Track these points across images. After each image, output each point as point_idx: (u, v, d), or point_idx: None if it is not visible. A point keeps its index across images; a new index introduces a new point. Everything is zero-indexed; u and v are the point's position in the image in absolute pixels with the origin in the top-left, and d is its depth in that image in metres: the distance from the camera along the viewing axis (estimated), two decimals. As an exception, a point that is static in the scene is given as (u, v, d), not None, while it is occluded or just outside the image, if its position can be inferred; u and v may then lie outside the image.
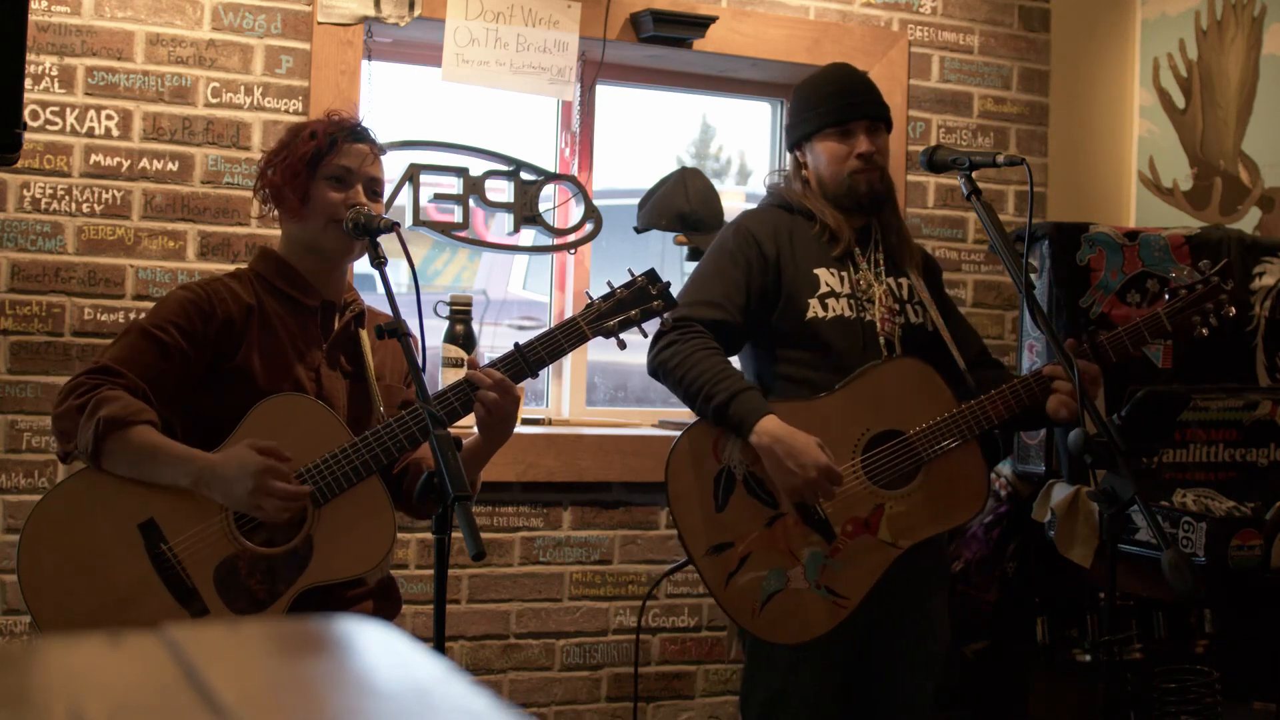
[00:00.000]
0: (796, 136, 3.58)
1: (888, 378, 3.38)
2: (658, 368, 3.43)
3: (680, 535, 3.38)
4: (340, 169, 3.05)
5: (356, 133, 3.10)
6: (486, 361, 3.15)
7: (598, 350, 4.81)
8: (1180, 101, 5.04)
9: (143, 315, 3.02)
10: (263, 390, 2.97)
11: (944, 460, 3.35)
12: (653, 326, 3.24)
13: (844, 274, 3.48)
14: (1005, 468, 4.51)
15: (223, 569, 2.90)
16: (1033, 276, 4.39)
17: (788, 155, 3.65)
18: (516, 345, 3.06)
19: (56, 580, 2.83)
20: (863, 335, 3.44)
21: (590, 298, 3.17)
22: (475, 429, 3.10)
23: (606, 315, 3.11)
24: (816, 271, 3.46)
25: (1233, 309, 3.42)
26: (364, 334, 3.19)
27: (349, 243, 3.06)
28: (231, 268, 3.37)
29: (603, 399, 5.04)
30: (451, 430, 2.81)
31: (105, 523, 2.86)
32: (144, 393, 2.87)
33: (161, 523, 2.87)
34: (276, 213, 3.14)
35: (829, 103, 3.51)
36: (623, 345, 3.18)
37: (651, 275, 3.17)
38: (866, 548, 3.35)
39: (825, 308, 3.44)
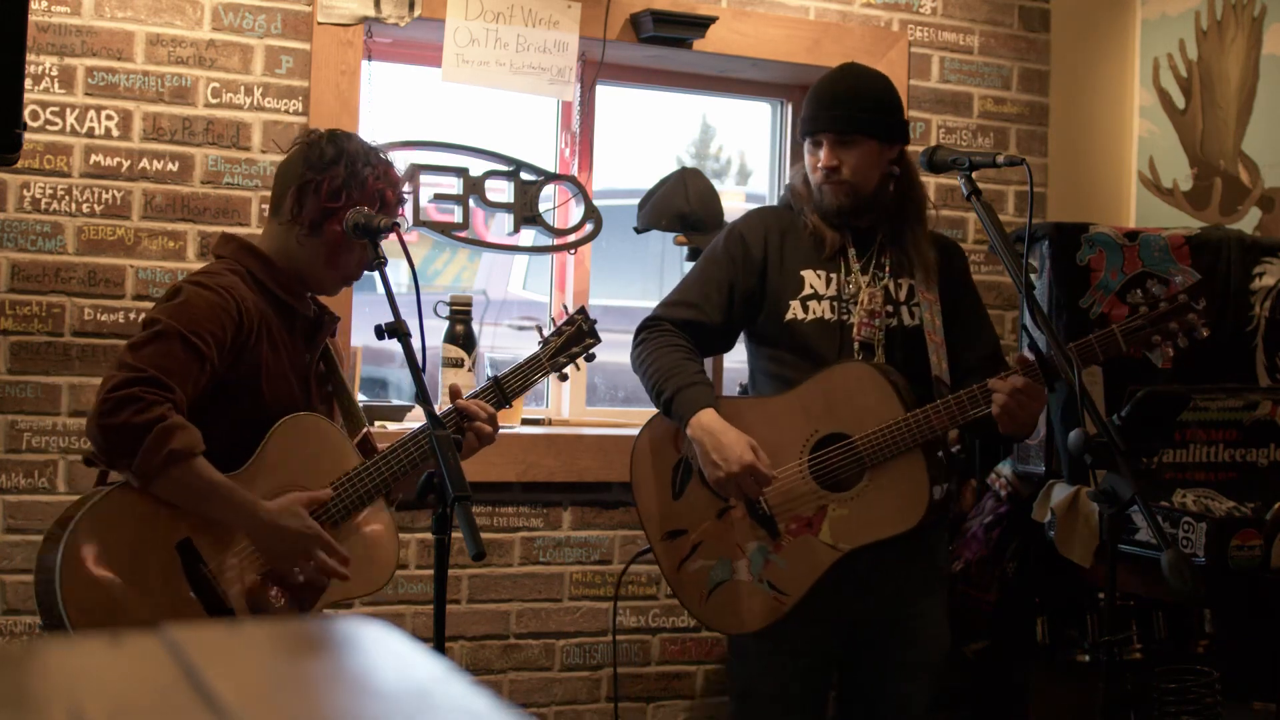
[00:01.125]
0: (798, 137, 3.62)
1: (838, 381, 3.40)
2: (633, 365, 3.57)
3: (640, 519, 3.53)
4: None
5: (403, 201, 3.15)
6: (470, 391, 3.27)
7: (598, 351, 4.82)
8: (1180, 102, 5.04)
9: (167, 311, 2.91)
10: (265, 401, 2.97)
11: (887, 467, 3.35)
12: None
13: (832, 275, 3.49)
14: (1005, 468, 4.51)
15: (254, 590, 2.95)
16: (1033, 277, 4.38)
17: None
18: (494, 378, 3.32)
19: (101, 601, 2.81)
20: (840, 338, 3.45)
21: (541, 333, 3.45)
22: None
23: (560, 351, 3.41)
24: (803, 273, 3.49)
25: (1206, 330, 3.30)
26: (331, 343, 3.25)
27: (340, 290, 3.20)
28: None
29: (604, 399, 5.04)
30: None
31: (144, 541, 2.85)
32: (184, 408, 2.83)
33: (198, 543, 2.88)
34: (283, 216, 3.12)
35: (806, 111, 3.53)
36: (564, 378, 3.51)
37: (584, 313, 3.49)
38: (808, 547, 3.39)
39: (806, 309, 3.46)
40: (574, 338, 3.42)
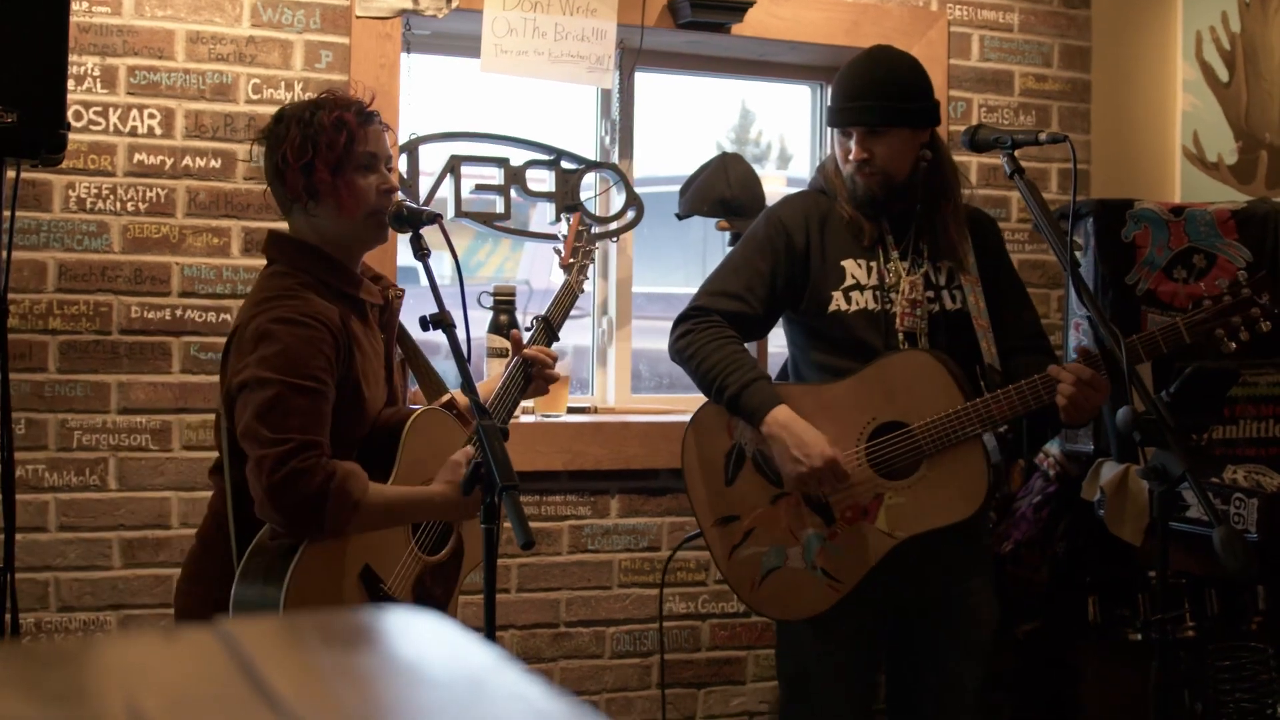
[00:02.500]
0: (826, 122, 3.60)
1: (897, 369, 3.40)
2: (676, 354, 3.55)
3: (692, 505, 3.53)
4: (368, 156, 3.01)
5: (370, 114, 3.06)
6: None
7: (641, 338, 4.82)
8: (1224, 75, 5.00)
9: (270, 364, 2.80)
10: (367, 403, 2.97)
11: (945, 456, 3.35)
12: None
13: (872, 264, 3.48)
14: (1053, 447, 4.48)
15: (418, 588, 3.02)
16: (1078, 254, 4.36)
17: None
18: (540, 317, 3.37)
19: None
20: (885, 328, 3.45)
21: (558, 253, 3.52)
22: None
23: (584, 266, 3.51)
24: (843, 263, 3.48)
25: (1268, 324, 3.28)
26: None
27: (386, 232, 3.08)
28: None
29: (648, 386, 5.04)
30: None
31: (339, 585, 2.88)
32: (330, 453, 2.83)
33: (375, 566, 2.92)
34: (288, 207, 3.07)
35: (833, 101, 3.50)
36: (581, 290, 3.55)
37: (579, 219, 3.60)
38: (864, 534, 3.39)
39: (849, 300, 3.45)
40: (586, 238, 3.57)
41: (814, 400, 3.41)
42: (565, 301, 3.43)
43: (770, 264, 3.49)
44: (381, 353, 3.09)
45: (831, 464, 3.31)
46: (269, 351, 2.81)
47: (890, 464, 3.38)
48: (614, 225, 4.65)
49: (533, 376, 3.26)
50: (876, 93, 3.42)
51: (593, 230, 3.61)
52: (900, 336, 3.45)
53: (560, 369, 3.46)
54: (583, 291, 3.54)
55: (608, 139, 4.76)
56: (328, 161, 2.96)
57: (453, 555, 3.12)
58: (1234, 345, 3.29)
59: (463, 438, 3.08)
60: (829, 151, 3.69)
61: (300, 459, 2.74)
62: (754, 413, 3.37)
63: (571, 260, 3.48)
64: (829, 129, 3.64)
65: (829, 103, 3.53)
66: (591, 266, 3.59)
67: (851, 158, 3.44)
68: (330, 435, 2.86)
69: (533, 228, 4.93)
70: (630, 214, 4.64)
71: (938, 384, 3.36)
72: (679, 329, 3.52)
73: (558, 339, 3.42)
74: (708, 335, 3.45)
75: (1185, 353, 3.39)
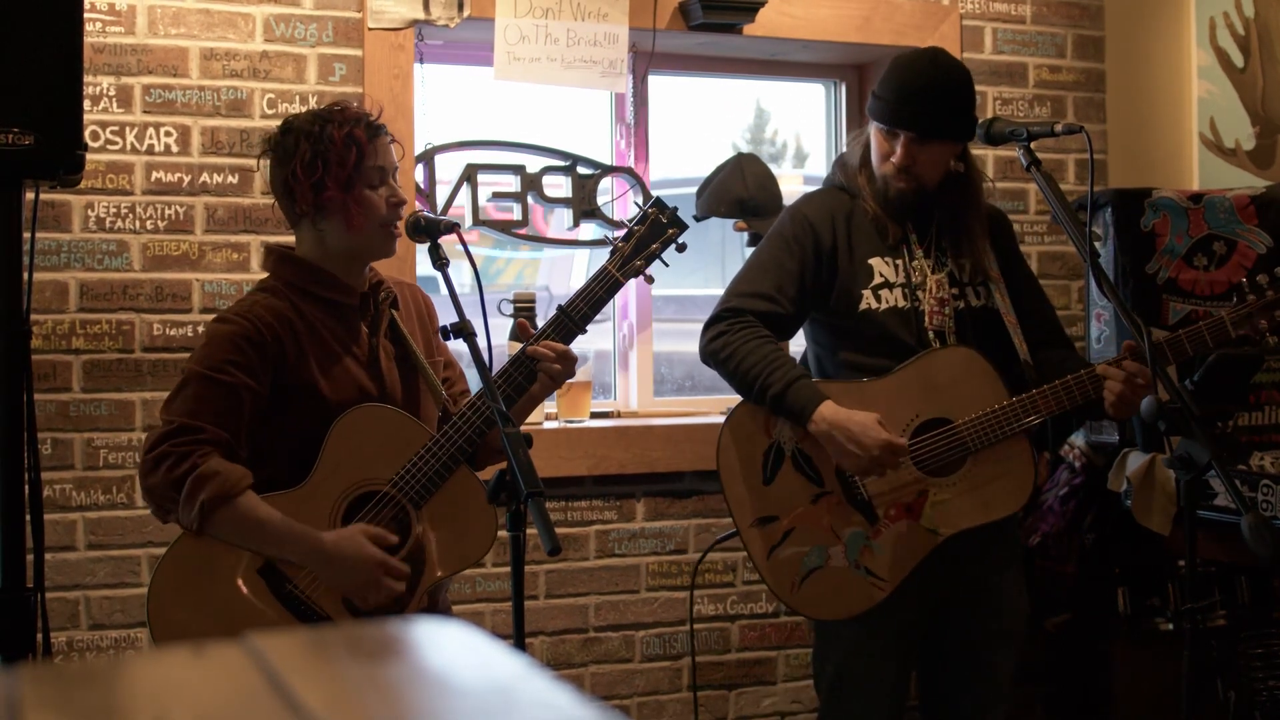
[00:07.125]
0: (868, 110, 3.54)
1: (940, 365, 3.39)
2: (709, 356, 3.50)
3: (729, 505, 3.46)
4: (377, 170, 3.01)
5: (378, 128, 3.06)
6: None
7: (662, 341, 4.82)
8: (1239, 60, 4.98)
9: (192, 358, 2.96)
10: (329, 401, 2.96)
11: (991, 452, 3.34)
12: (670, 255, 3.25)
13: (899, 262, 3.47)
14: (1078, 439, 4.47)
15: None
16: (1097, 245, 4.35)
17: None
18: (561, 308, 3.13)
19: (193, 639, 2.84)
20: (916, 326, 3.44)
21: (610, 240, 3.27)
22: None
23: (632, 256, 3.17)
24: (871, 261, 3.46)
25: None
26: (395, 313, 3.17)
27: (395, 244, 3.09)
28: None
29: (670, 389, 5.04)
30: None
31: (227, 575, 2.88)
32: (226, 443, 2.86)
33: (281, 564, 2.91)
34: (296, 220, 3.09)
35: (889, 96, 3.42)
36: (650, 280, 3.22)
37: (659, 204, 3.22)
38: (907, 532, 3.37)
39: (878, 299, 3.44)
40: (648, 235, 3.18)
41: (856, 397, 3.39)
42: (595, 290, 3.12)
43: (799, 263, 3.47)
44: (365, 350, 3.07)
45: (888, 447, 3.29)
46: (197, 348, 2.97)
47: (935, 461, 3.37)
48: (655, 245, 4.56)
49: (535, 373, 3.08)
50: (933, 101, 3.38)
51: (663, 221, 3.18)
52: (931, 335, 3.44)
53: (582, 374, 3.31)
54: (650, 281, 3.22)
55: (623, 143, 4.76)
56: (338, 179, 2.97)
57: (407, 562, 2.99)
58: (1275, 339, 3.28)
59: (411, 437, 3.00)
60: (843, 149, 3.67)
61: (173, 442, 2.82)
62: (800, 411, 3.35)
63: (621, 246, 3.17)
64: (852, 125, 3.60)
65: (878, 91, 3.45)
66: (661, 262, 3.20)
67: (894, 160, 3.41)
68: (274, 428, 2.94)
69: (550, 234, 4.93)
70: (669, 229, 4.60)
71: (981, 380, 3.35)
72: (711, 330, 3.48)
73: (582, 331, 3.15)
74: (743, 336, 3.42)
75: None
